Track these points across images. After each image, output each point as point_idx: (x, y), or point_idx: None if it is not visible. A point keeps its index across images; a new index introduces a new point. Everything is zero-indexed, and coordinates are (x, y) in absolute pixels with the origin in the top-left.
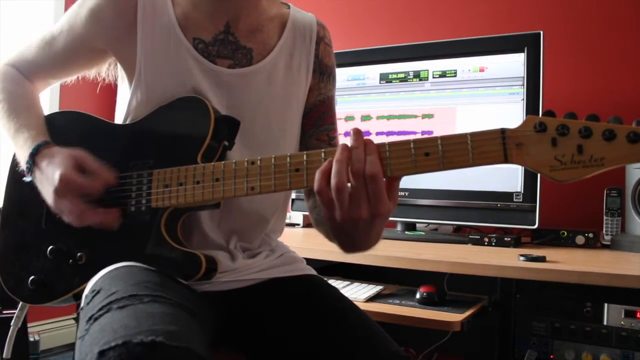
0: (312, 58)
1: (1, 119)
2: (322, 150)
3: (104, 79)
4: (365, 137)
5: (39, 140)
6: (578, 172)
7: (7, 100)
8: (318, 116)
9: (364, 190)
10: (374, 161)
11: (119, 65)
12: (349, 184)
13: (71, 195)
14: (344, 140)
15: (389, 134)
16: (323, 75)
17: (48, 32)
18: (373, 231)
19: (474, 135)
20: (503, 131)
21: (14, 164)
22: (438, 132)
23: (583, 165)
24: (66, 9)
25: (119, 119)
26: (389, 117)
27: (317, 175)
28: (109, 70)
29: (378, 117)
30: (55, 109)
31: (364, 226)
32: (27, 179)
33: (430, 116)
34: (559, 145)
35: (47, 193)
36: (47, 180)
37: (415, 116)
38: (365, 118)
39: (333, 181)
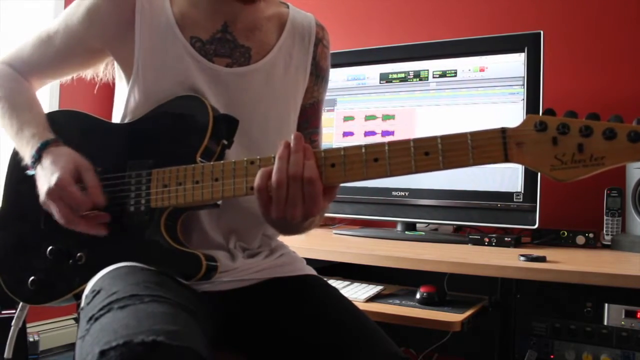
0: (310, 59)
1: (2, 117)
2: (322, 149)
3: (101, 79)
4: (305, 144)
5: (47, 137)
6: (578, 171)
7: (7, 98)
8: (305, 119)
9: (300, 193)
10: (311, 165)
11: (116, 64)
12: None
13: (61, 201)
14: (347, 139)
15: (390, 134)
16: (318, 78)
17: (44, 31)
18: (304, 225)
19: (474, 134)
20: (503, 130)
21: (13, 164)
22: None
23: (583, 164)
24: (66, 7)
25: (116, 118)
26: (385, 117)
27: (259, 173)
28: (107, 70)
29: (384, 117)
30: (55, 106)
31: (296, 223)
32: (30, 172)
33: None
34: (559, 144)
35: (42, 189)
36: (45, 177)
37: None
38: (370, 118)
39: (274, 177)
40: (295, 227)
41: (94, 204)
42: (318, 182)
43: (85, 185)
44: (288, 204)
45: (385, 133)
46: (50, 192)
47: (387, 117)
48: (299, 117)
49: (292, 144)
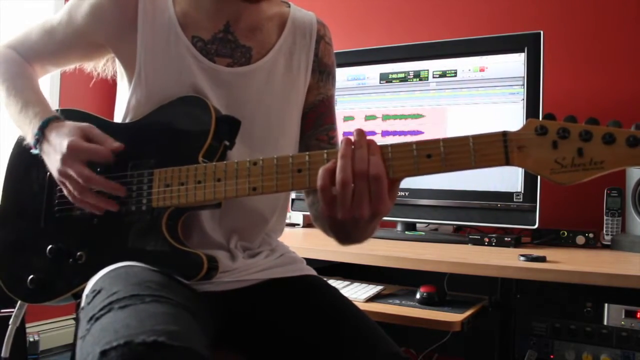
0: (312, 57)
1: (4, 98)
2: (325, 151)
3: (99, 74)
4: (368, 137)
5: (49, 114)
6: (578, 175)
7: (10, 79)
8: (317, 116)
9: (367, 190)
10: (377, 162)
11: (117, 62)
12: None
13: (78, 162)
14: None
15: (389, 134)
16: (322, 75)
17: (48, 21)
18: (370, 227)
19: (475, 137)
20: (505, 134)
21: (12, 161)
22: (437, 132)
23: (583, 168)
24: (65, 2)
25: (118, 116)
26: (385, 117)
27: (321, 172)
28: (106, 65)
29: (384, 117)
30: (55, 102)
31: (363, 224)
32: (34, 151)
33: (420, 116)
34: (559, 148)
35: (54, 162)
36: (54, 149)
37: (416, 116)
38: (370, 118)
39: (338, 177)
40: (362, 230)
41: (112, 150)
42: (384, 179)
43: (96, 140)
44: (354, 203)
45: (385, 133)
46: (65, 159)
47: (387, 117)
48: (311, 115)
49: (354, 140)
